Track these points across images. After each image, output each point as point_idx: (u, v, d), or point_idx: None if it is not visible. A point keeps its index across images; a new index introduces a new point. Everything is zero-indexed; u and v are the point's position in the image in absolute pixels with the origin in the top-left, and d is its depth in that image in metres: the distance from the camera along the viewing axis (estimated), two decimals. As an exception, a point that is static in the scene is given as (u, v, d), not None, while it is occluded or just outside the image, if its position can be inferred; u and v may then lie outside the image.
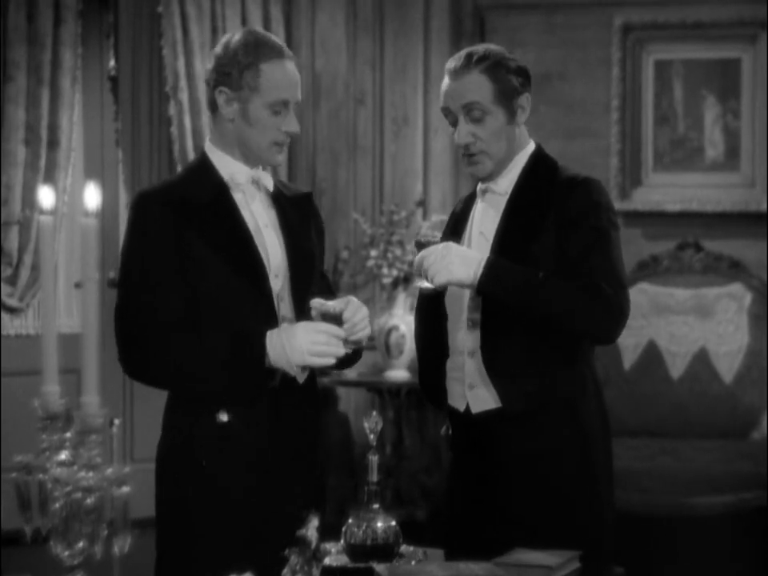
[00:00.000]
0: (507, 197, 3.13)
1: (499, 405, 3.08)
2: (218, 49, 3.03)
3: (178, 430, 3.03)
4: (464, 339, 3.12)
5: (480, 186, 3.20)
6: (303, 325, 2.92)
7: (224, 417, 2.95)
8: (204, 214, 2.97)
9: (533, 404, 3.06)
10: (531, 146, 3.18)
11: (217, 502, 2.97)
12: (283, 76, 2.99)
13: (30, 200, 5.87)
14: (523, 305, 2.99)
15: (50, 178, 5.90)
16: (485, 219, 3.16)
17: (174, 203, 2.97)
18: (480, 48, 3.15)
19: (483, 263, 2.97)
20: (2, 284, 5.93)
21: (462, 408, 3.14)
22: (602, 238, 3.03)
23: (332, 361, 2.92)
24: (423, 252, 3.01)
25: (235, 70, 2.97)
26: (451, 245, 3.02)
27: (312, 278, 3.11)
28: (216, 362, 2.90)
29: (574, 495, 3.09)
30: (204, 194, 3.00)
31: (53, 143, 5.98)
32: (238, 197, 3.04)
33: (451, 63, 3.13)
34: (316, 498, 3.03)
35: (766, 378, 5.94)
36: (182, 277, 2.93)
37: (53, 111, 5.98)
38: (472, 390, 3.11)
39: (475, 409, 3.12)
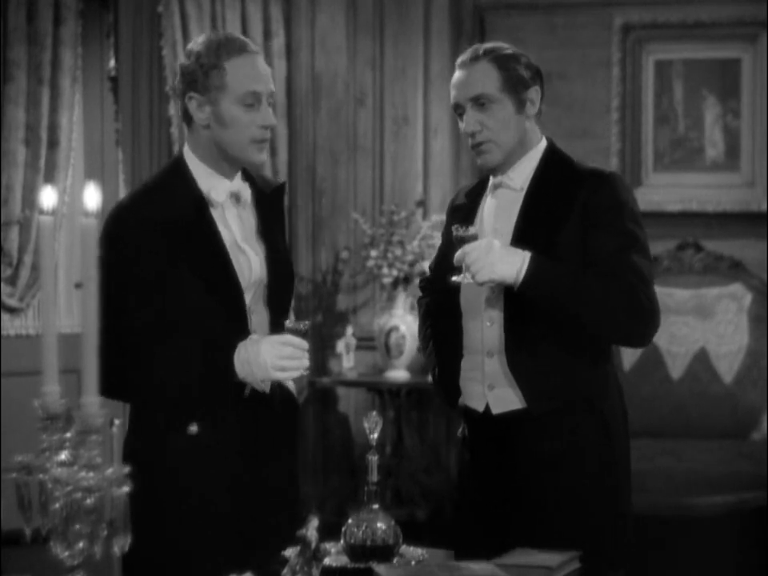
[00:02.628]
0: (524, 192, 3.10)
1: (523, 405, 3.04)
2: (183, 58, 3.00)
3: (149, 438, 2.98)
4: (483, 339, 3.09)
5: (493, 181, 3.16)
6: (268, 339, 2.89)
7: (194, 428, 2.92)
8: (180, 231, 2.91)
9: (557, 404, 3.04)
10: (543, 143, 3.17)
11: (189, 511, 2.94)
12: (250, 69, 2.93)
13: (30, 200, 5.88)
14: (561, 307, 2.97)
15: (50, 178, 5.90)
16: (499, 215, 3.13)
17: (151, 220, 2.90)
18: (490, 43, 3.16)
19: (527, 262, 2.93)
20: (2, 284, 5.93)
21: (480, 408, 3.11)
22: (631, 241, 3.02)
23: (297, 374, 2.90)
24: (466, 247, 2.96)
25: (200, 73, 2.92)
26: (494, 241, 2.98)
27: (292, 286, 3.10)
28: (185, 377, 2.87)
29: (596, 495, 3.06)
30: (181, 211, 2.93)
31: (53, 143, 5.98)
32: (216, 212, 2.98)
33: (460, 58, 3.13)
34: (289, 506, 3.01)
35: (766, 378, 5.94)
36: (156, 294, 2.89)
37: (53, 111, 5.98)
38: (492, 390, 3.08)
39: (496, 410, 3.08)
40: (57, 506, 2.00)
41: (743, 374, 6.04)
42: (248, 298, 2.98)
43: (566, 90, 6.42)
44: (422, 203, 6.52)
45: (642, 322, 3.00)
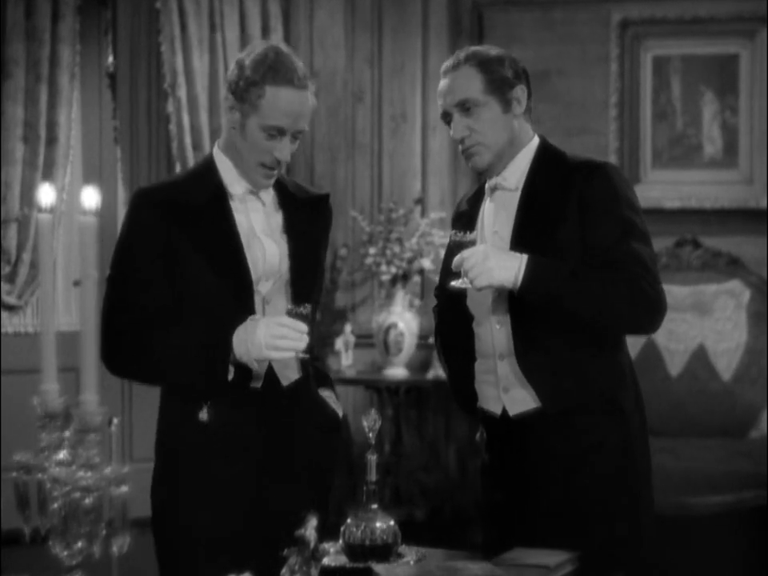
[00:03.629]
0: (519, 192, 3.10)
1: (538, 405, 3.04)
2: (243, 54, 3.03)
3: (165, 429, 3.07)
4: (493, 342, 3.09)
5: (489, 184, 3.16)
6: (266, 319, 2.93)
7: (204, 416, 2.95)
8: (196, 216, 2.98)
9: (573, 400, 3.03)
10: (536, 141, 3.16)
11: (202, 500, 2.99)
12: (286, 103, 2.95)
13: (28, 198, 5.88)
14: (563, 307, 2.96)
15: (48, 175, 5.90)
16: (498, 218, 3.12)
17: (169, 203, 2.98)
18: (472, 48, 3.16)
19: (524, 265, 2.93)
20: (0, 282, 5.93)
21: (497, 411, 3.11)
22: (629, 229, 3.01)
23: (291, 354, 2.91)
24: (464, 253, 2.96)
25: (242, 83, 2.96)
26: (491, 247, 2.99)
27: (314, 284, 3.12)
28: (185, 358, 2.92)
29: (614, 491, 3.06)
30: (200, 197, 3.01)
31: (51, 140, 5.97)
32: (235, 203, 3.04)
33: (443, 66, 3.14)
34: (316, 498, 3.02)
35: (765, 375, 5.94)
36: (168, 276, 2.95)
37: (51, 108, 5.97)
38: (507, 392, 3.08)
39: (513, 411, 3.08)
40: (55, 505, 2.00)
41: (742, 371, 6.03)
42: (265, 287, 3.02)
43: (564, 87, 6.41)
44: (421, 200, 6.52)
45: (645, 310, 2.99)
